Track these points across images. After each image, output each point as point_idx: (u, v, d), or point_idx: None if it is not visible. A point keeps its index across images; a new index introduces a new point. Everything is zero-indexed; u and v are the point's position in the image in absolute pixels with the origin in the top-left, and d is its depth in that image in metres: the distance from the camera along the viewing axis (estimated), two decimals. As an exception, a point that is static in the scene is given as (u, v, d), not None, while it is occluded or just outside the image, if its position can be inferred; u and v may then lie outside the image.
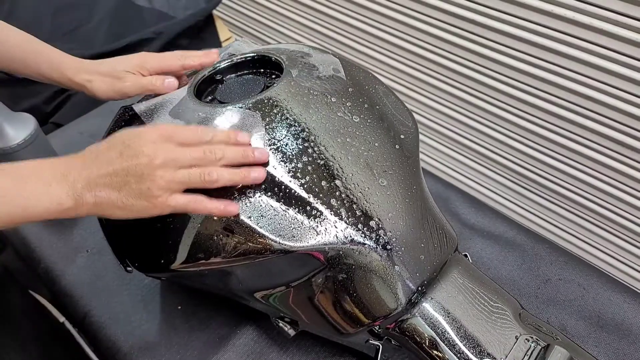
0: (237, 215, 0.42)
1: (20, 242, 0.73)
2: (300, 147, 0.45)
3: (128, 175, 0.39)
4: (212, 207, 0.41)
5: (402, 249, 0.46)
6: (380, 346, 0.50)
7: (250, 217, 0.43)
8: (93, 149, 0.41)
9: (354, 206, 0.44)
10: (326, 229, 0.43)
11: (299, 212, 0.43)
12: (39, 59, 0.54)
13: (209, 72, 0.56)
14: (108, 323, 0.61)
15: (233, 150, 0.42)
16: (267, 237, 0.42)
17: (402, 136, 0.52)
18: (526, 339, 0.46)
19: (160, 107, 0.51)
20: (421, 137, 1.14)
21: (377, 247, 0.44)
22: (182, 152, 0.40)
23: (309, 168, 0.44)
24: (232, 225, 0.43)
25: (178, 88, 0.53)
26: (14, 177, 0.38)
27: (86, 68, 0.53)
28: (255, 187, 0.44)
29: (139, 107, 0.52)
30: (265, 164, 0.43)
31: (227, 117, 0.47)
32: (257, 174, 0.42)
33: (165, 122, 0.49)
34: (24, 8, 1.29)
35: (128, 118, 0.53)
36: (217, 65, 0.56)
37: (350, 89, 0.52)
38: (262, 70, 0.57)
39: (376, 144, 0.48)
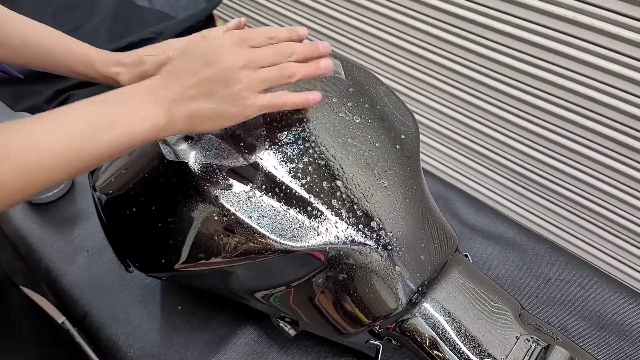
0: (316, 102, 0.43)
1: (21, 242, 0.73)
2: (301, 147, 0.45)
3: (215, 81, 0.39)
4: (296, 99, 0.42)
5: (403, 249, 0.46)
6: (381, 346, 0.50)
7: (251, 217, 0.43)
8: (172, 66, 0.41)
9: (355, 206, 0.44)
10: (327, 229, 0.43)
11: (299, 212, 0.43)
12: (69, 55, 0.54)
13: None
14: (108, 323, 0.61)
15: (302, 46, 0.43)
16: (268, 237, 0.42)
17: (402, 136, 0.52)
18: (526, 339, 0.46)
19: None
20: (422, 137, 1.14)
21: (377, 247, 0.44)
22: (259, 52, 0.41)
23: (310, 168, 0.44)
24: (233, 225, 0.43)
25: None
26: (113, 102, 0.38)
27: (114, 60, 0.53)
28: (255, 186, 0.44)
29: None
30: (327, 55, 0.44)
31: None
32: (326, 64, 0.43)
33: None
34: (24, 8, 1.29)
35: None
36: None
37: (351, 90, 0.52)
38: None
39: (377, 144, 0.48)
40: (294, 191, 0.44)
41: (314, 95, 0.43)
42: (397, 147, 0.50)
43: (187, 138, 0.47)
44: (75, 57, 0.54)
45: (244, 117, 0.41)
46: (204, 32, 0.48)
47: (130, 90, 0.39)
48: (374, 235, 0.44)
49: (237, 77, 0.39)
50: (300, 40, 0.44)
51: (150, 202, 0.48)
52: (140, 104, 0.38)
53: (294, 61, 0.42)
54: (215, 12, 1.50)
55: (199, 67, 0.39)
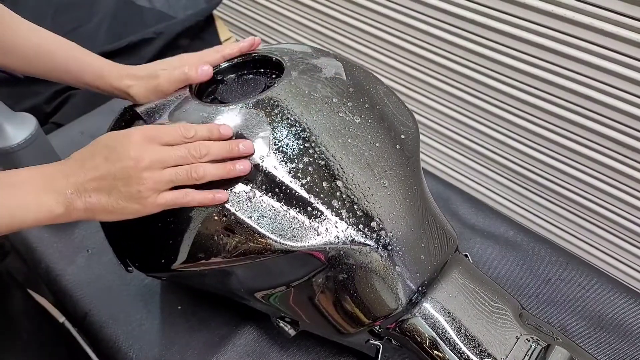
0: (226, 203, 0.43)
1: (21, 242, 0.73)
2: (301, 147, 0.45)
3: (115, 179, 0.39)
4: (201, 198, 0.42)
5: (403, 249, 0.46)
6: (381, 346, 0.50)
7: (250, 217, 0.43)
8: (79, 154, 0.41)
9: (355, 206, 0.44)
10: (327, 229, 0.43)
11: (299, 212, 0.43)
12: (82, 67, 0.54)
13: None
14: (108, 323, 0.61)
15: (217, 146, 0.42)
16: (268, 237, 0.42)
17: (402, 136, 0.52)
18: (526, 339, 0.46)
19: (162, 107, 0.51)
20: (422, 137, 1.14)
21: (377, 248, 0.44)
22: (167, 152, 0.41)
23: (310, 168, 0.44)
24: (233, 225, 0.43)
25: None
26: (4, 186, 0.38)
27: (127, 74, 0.53)
28: (255, 186, 0.44)
29: (140, 108, 0.52)
30: (249, 156, 0.44)
31: (228, 117, 0.47)
32: (242, 167, 0.43)
33: (166, 122, 0.49)
34: (25, 8, 1.29)
35: (129, 118, 0.53)
36: (218, 65, 0.56)
37: (350, 89, 0.52)
38: (262, 70, 0.57)
39: (377, 144, 0.48)
40: (294, 191, 0.44)
41: (222, 195, 0.42)
42: (397, 147, 0.50)
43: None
44: (88, 69, 0.54)
45: (148, 212, 0.41)
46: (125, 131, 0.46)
47: (29, 174, 0.39)
48: (374, 235, 0.44)
49: (139, 177, 0.39)
50: (221, 139, 0.43)
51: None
52: (35, 192, 0.38)
53: (210, 161, 0.42)
54: (215, 12, 1.50)
55: (102, 162, 0.39)
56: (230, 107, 0.48)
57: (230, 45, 0.54)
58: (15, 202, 0.37)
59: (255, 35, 1.55)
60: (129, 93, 0.53)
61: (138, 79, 0.52)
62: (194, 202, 0.42)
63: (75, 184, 0.39)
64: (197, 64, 0.51)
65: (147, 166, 0.39)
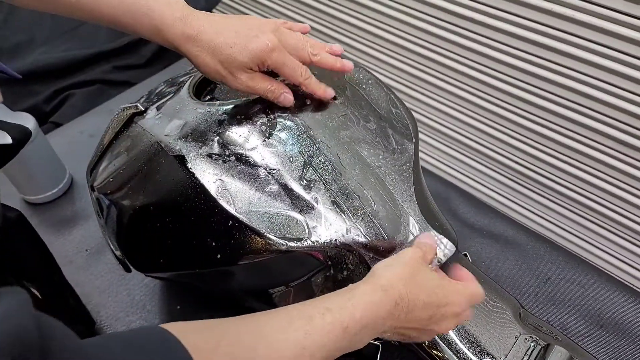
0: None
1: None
2: (301, 147, 0.45)
3: (432, 323, 0.41)
4: None
5: (403, 248, 0.45)
6: (380, 346, 0.50)
7: (250, 217, 0.43)
8: (404, 305, 0.39)
9: (355, 206, 0.44)
10: (327, 228, 0.43)
11: (299, 212, 0.43)
12: (135, 15, 0.44)
13: None
14: (107, 323, 0.61)
15: None
16: (267, 237, 0.42)
17: (401, 135, 0.52)
18: (526, 339, 0.46)
19: (161, 107, 0.51)
20: (421, 135, 1.14)
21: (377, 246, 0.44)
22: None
23: (310, 168, 0.44)
24: (232, 225, 0.43)
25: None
26: (347, 336, 0.37)
27: (198, 41, 0.44)
28: (254, 185, 0.43)
29: (140, 106, 0.51)
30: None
31: (225, 115, 0.47)
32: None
33: (165, 121, 0.49)
34: (24, 10, 1.29)
35: (128, 118, 0.53)
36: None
37: (349, 87, 0.52)
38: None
39: (376, 143, 0.48)
40: (293, 191, 0.43)
41: None
42: (396, 145, 0.50)
43: (187, 136, 0.46)
44: (143, 20, 0.44)
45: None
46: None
47: (370, 319, 0.38)
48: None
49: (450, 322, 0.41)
50: None
51: (149, 202, 0.48)
52: (369, 337, 0.38)
53: None
54: (215, 11, 1.49)
55: (426, 319, 0.40)
56: (229, 105, 0.48)
57: (326, 58, 0.48)
58: (356, 345, 0.38)
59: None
60: (191, 60, 0.45)
61: (212, 55, 0.44)
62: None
63: (399, 328, 0.40)
64: (282, 64, 0.45)
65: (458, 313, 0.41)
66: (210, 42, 0.43)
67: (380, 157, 0.48)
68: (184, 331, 0.30)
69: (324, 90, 0.48)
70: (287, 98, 0.46)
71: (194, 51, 0.44)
